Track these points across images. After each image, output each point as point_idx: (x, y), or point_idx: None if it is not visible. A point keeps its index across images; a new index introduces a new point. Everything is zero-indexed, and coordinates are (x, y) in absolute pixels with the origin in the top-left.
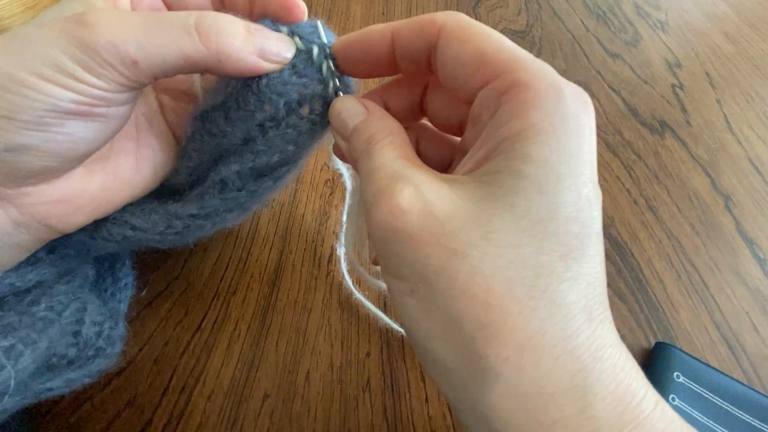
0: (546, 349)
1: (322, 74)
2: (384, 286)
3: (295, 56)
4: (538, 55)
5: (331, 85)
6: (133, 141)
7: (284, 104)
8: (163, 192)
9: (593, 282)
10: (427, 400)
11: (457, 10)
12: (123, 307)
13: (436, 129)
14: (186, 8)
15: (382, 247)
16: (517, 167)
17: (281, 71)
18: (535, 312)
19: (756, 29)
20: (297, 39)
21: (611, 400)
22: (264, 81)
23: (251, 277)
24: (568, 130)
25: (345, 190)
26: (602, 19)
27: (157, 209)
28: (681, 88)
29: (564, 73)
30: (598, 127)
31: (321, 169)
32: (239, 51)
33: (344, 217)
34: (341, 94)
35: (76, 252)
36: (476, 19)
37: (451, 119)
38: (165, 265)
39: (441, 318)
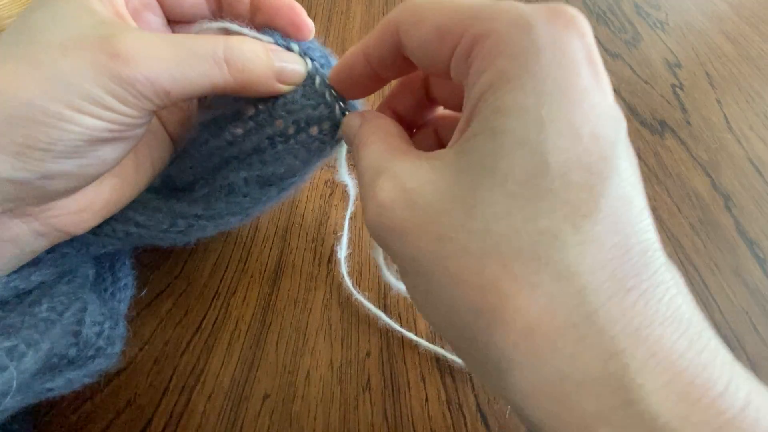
0: (561, 329)
1: (326, 100)
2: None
3: (304, 81)
4: None
5: (337, 108)
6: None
7: (293, 122)
8: (163, 188)
9: (623, 240)
10: (427, 400)
11: None
12: (123, 307)
13: (452, 114)
14: (181, 8)
15: (381, 246)
16: (491, 125)
17: (294, 92)
18: (539, 288)
19: (756, 29)
20: (308, 60)
21: (668, 395)
22: (279, 100)
23: (251, 277)
24: (545, 63)
25: (345, 190)
26: (602, 19)
27: (161, 207)
28: (681, 88)
29: None
30: None
31: (321, 169)
32: (260, 77)
33: (346, 222)
34: (348, 113)
35: (76, 251)
36: None
37: (460, 97)
38: (165, 265)
39: (443, 310)
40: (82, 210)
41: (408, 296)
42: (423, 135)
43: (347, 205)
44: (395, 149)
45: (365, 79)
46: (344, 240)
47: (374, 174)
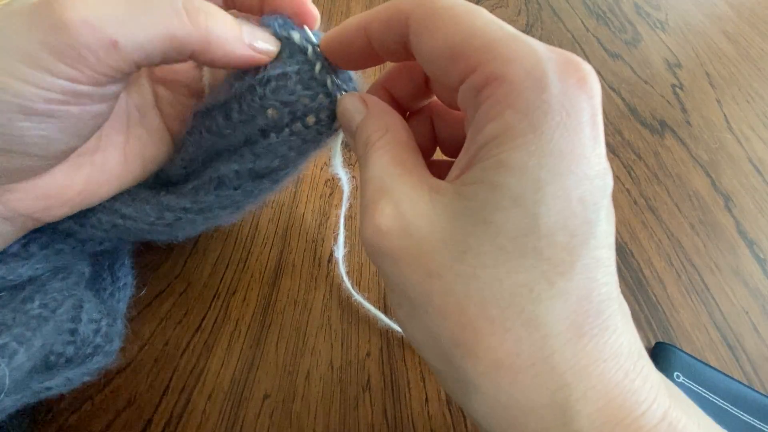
0: (522, 367)
1: (327, 88)
2: None
3: (300, 68)
4: None
5: (338, 96)
6: (122, 134)
7: (288, 112)
8: (157, 181)
9: (586, 294)
10: (427, 400)
11: None
12: (122, 307)
13: (446, 107)
14: None
15: (372, 261)
16: (491, 178)
17: (287, 80)
18: (510, 332)
19: (756, 29)
20: (309, 45)
21: (598, 416)
22: (270, 87)
23: (251, 277)
24: (552, 125)
25: (340, 185)
26: (602, 19)
27: (150, 199)
28: (681, 88)
29: None
30: None
31: (321, 169)
32: (226, 35)
33: (341, 220)
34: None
35: (71, 248)
36: None
37: (457, 96)
38: (165, 265)
39: (424, 334)
40: (48, 196)
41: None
42: (418, 122)
43: (342, 201)
44: (403, 164)
45: (361, 55)
46: (341, 239)
47: (377, 192)
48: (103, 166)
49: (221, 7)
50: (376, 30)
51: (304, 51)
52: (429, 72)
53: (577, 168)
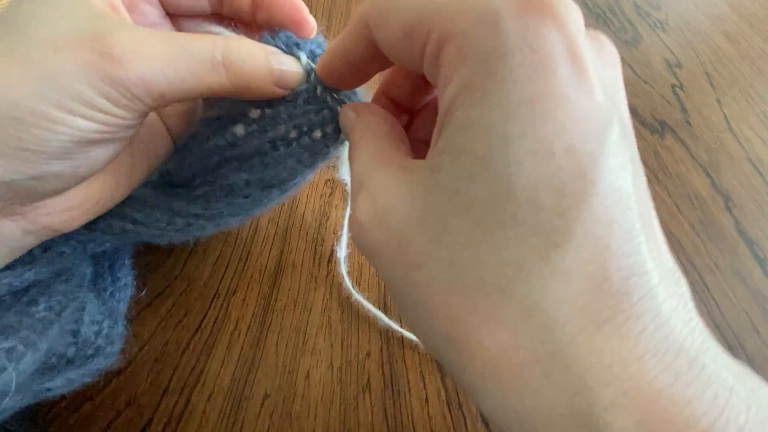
0: (526, 365)
1: (329, 104)
2: None
3: (308, 87)
4: None
5: (332, 103)
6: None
7: (295, 127)
8: (163, 185)
9: (599, 269)
10: (427, 400)
11: None
12: (122, 307)
13: None
14: (179, 7)
15: (364, 255)
16: (455, 142)
17: (297, 99)
18: (502, 324)
19: (756, 29)
20: (313, 74)
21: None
22: (281, 105)
23: (251, 277)
24: (514, 67)
25: (345, 189)
26: (602, 19)
27: (160, 205)
28: (681, 88)
29: None
30: None
31: (321, 169)
32: (258, 82)
33: (345, 221)
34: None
35: (72, 250)
36: None
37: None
38: (165, 265)
39: (419, 329)
40: (72, 208)
41: None
42: (423, 120)
43: (347, 204)
44: (381, 155)
45: (350, 74)
46: (344, 239)
47: (357, 186)
48: (116, 172)
49: (210, 22)
50: (350, 46)
51: (308, 72)
52: (398, 62)
53: (557, 112)
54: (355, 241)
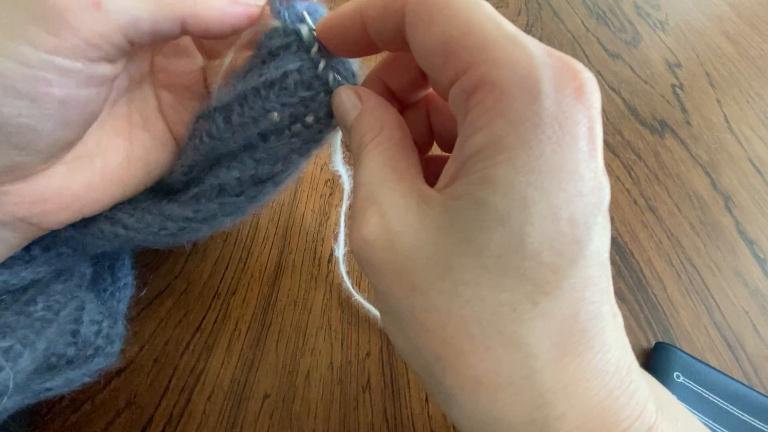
0: (502, 385)
1: (329, 86)
2: None
3: (302, 65)
4: None
5: (333, 84)
6: (125, 138)
7: (289, 114)
8: (158, 189)
9: (572, 314)
10: (427, 400)
11: None
12: (122, 307)
13: (442, 100)
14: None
15: (360, 268)
16: (476, 194)
17: (288, 80)
18: (490, 351)
19: (756, 29)
20: (315, 47)
21: None
22: (274, 90)
23: (251, 277)
24: (543, 140)
25: (340, 182)
26: (602, 19)
27: (151, 209)
28: (681, 88)
29: None
30: None
31: (321, 169)
32: None
33: (342, 218)
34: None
35: (72, 250)
36: None
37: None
38: (165, 265)
39: (407, 342)
40: (45, 200)
41: None
42: (414, 115)
43: (343, 200)
44: (394, 168)
45: (357, 43)
46: (341, 237)
47: (366, 200)
48: (104, 171)
49: None
50: (372, 17)
51: (308, 48)
52: (422, 66)
53: (568, 185)
54: (357, 253)
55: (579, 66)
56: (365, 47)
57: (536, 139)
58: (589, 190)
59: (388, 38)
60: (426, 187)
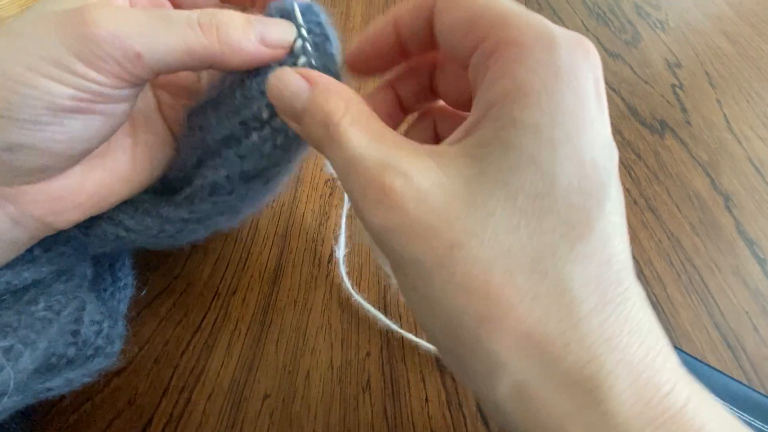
0: (551, 337)
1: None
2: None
3: (284, 60)
4: None
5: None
6: (130, 137)
7: (267, 105)
8: (157, 190)
9: (607, 259)
10: (427, 400)
11: None
12: (122, 307)
13: (451, 109)
14: (192, 5)
15: (380, 244)
16: (506, 138)
17: (270, 69)
18: (538, 299)
19: (756, 29)
20: (299, 43)
21: (629, 396)
22: (256, 80)
23: (251, 277)
24: (562, 86)
25: (339, 186)
26: (602, 19)
27: (151, 211)
28: (681, 88)
29: None
30: None
31: (321, 169)
32: (240, 40)
33: (342, 219)
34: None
35: (74, 250)
36: None
37: (462, 95)
38: (165, 265)
39: (443, 313)
40: (61, 198)
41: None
42: (420, 126)
43: (343, 201)
44: (384, 136)
45: (386, 53)
46: (342, 239)
47: (377, 168)
48: (113, 170)
49: (214, 3)
50: (407, 17)
51: (300, 41)
52: (446, 45)
53: (588, 130)
54: (380, 221)
55: (584, 37)
56: (390, 59)
57: (557, 85)
58: (605, 137)
59: (419, 34)
60: (433, 146)
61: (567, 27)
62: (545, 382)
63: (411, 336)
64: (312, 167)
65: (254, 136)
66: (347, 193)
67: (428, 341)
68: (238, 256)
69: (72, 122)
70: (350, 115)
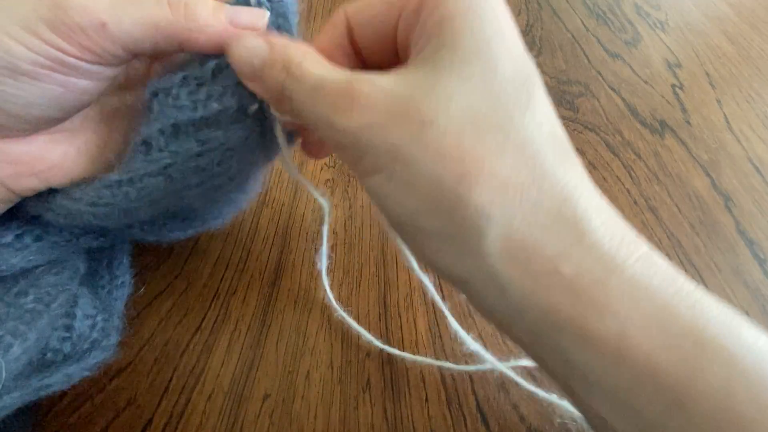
0: (525, 184)
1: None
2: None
3: None
4: (538, 55)
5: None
6: (108, 126)
7: (216, 64)
8: None
9: (552, 129)
10: (427, 400)
11: None
12: (119, 305)
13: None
14: None
15: (357, 150)
16: (453, 41)
17: (228, 68)
18: (506, 155)
19: (756, 29)
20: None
21: (605, 231)
22: (218, 77)
23: (251, 277)
24: (486, 6)
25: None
26: (602, 19)
27: (94, 180)
28: (681, 88)
29: (564, 73)
30: (598, 127)
31: (321, 170)
32: (207, 18)
33: (324, 233)
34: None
35: (64, 240)
36: None
37: (384, 54)
38: (165, 265)
39: (422, 188)
40: (20, 162)
41: (371, 198)
42: None
43: (325, 215)
44: (342, 68)
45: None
46: (324, 250)
47: (342, 82)
48: (80, 147)
49: None
50: (328, 47)
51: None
52: (372, 41)
53: (511, 35)
54: (357, 123)
55: None
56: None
57: (484, 5)
58: (521, 45)
59: (342, 56)
60: (387, 70)
61: (567, 27)
62: (531, 226)
63: (405, 354)
64: (312, 167)
65: (192, 84)
66: (317, 120)
67: (408, 238)
68: (238, 256)
69: (29, 87)
70: (311, 54)
